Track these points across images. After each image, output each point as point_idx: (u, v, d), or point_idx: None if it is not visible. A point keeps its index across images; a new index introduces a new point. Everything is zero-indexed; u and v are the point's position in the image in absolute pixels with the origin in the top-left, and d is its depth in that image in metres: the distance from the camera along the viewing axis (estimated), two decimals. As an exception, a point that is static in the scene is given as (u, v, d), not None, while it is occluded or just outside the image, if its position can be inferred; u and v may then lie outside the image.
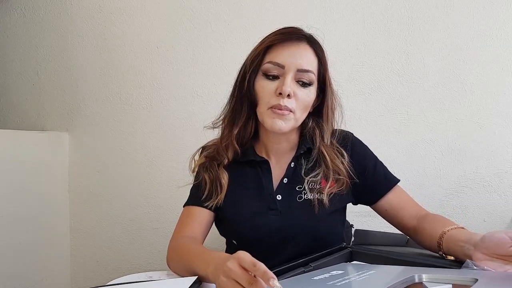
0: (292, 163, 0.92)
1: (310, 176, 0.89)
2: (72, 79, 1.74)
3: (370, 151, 0.98)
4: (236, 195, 0.92)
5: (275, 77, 0.85)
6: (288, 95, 0.83)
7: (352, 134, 0.99)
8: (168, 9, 1.62)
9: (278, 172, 0.93)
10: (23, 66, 1.81)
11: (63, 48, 1.75)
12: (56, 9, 1.75)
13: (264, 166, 0.93)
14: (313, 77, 0.87)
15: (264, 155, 0.94)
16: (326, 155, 0.90)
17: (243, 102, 0.90)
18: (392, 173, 0.96)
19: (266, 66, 0.86)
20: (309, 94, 0.87)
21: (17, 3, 1.81)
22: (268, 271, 0.53)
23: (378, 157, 0.98)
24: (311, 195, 0.89)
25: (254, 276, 0.55)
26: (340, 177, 0.89)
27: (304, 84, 0.86)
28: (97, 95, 1.71)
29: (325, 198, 0.87)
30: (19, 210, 1.53)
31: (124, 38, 1.67)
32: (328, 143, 0.92)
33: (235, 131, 0.91)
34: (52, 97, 1.77)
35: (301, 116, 0.88)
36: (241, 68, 0.91)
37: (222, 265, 0.59)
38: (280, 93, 0.83)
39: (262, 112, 0.87)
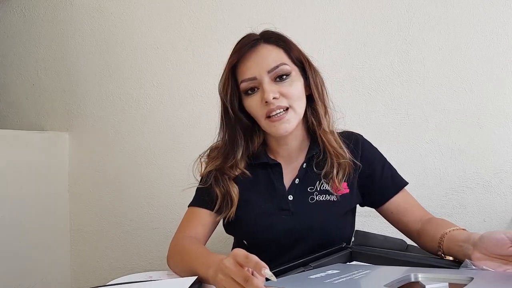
0: (304, 164, 0.93)
1: (322, 170, 0.90)
2: (72, 79, 1.74)
3: (379, 153, 0.98)
4: (248, 196, 0.92)
5: (254, 90, 0.86)
6: (274, 98, 0.83)
7: (361, 135, 0.99)
8: (168, 9, 1.62)
9: (290, 173, 0.94)
10: (23, 66, 1.81)
11: (63, 48, 1.75)
12: (56, 9, 1.75)
13: (276, 168, 0.94)
14: (287, 67, 0.86)
15: (276, 158, 0.95)
16: (325, 140, 0.91)
17: (235, 129, 0.92)
18: (401, 175, 0.96)
19: (242, 86, 0.87)
20: (293, 84, 0.87)
21: (17, 3, 1.81)
22: (260, 261, 0.54)
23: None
24: (322, 196, 0.89)
25: (252, 273, 0.56)
26: (341, 161, 0.89)
27: (282, 79, 0.86)
28: (97, 95, 1.71)
29: (336, 199, 0.88)
30: (19, 210, 1.53)
31: (124, 38, 1.67)
32: (327, 129, 0.92)
33: (238, 156, 0.92)
34: (52, 97, 1.77)
35: (298, 106, 0.88)
36: (220, 101, 0.93)
37: (220, 264, 0.60)
38: (266, 102, 0.84)
39: (263, 124, 0.88)
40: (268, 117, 0.85)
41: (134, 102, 1.67)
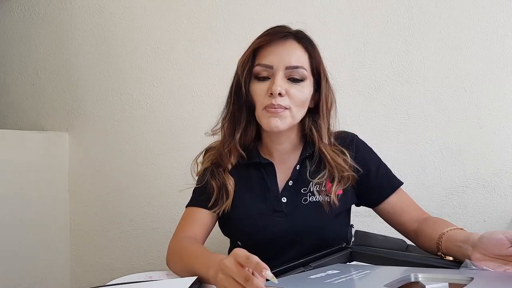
0: (298, 165, 0.92)
1: (316, 178, 0.89)
2: (72, 79, 1.74)
3: (374, 153, 0.98)
4: (241, 196, 0.92)
5: (265, 78, 0.86)
6: (280, 94, 0.83)
7: (356, 136, 0.99)
8: (168, 9, 1.62)
9: (283, 174, 0.93)
10: (23, 66, 1.81)
11: (63, 48, 1.75)
12: (56, 9, 1.75)
13: (269, 168, 0.93)
14: (305, 72, 0.86)
15: (268, 158, 0.94)
16: (327, 154, 0.90)
17: (241, 107, 0.90)
18: (396, 176, 0.96)
19: (256, 69, 0.86)
20: (302, 90, 0.87)
21: (17, 3, 1.81)
22: (261, 262, 0.54)
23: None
24: (316, 197, 0.89)
25: (252, 273, 0.56)
26: (345, 174, 0.89)
27: (296, 81, 0.85)
28: (97, 95, 1.71)
29: (330, 200, 0.87)
30: (19, 210, 1.53)
31: (124, 38, 1.67)
32: (327, 142, 0.91)
33: (237, 136, 0.91)
34: (52, 97, 1.77)
35: (297, 112, 0.88)
36: (235, 74, 0.91)
37: (220, 264, 0.60)
38: (272, 93, 0.83)
39: (259, 114, 0.88)
40: (266, 108, 0.85)
41: (134, 102, 1.67)
